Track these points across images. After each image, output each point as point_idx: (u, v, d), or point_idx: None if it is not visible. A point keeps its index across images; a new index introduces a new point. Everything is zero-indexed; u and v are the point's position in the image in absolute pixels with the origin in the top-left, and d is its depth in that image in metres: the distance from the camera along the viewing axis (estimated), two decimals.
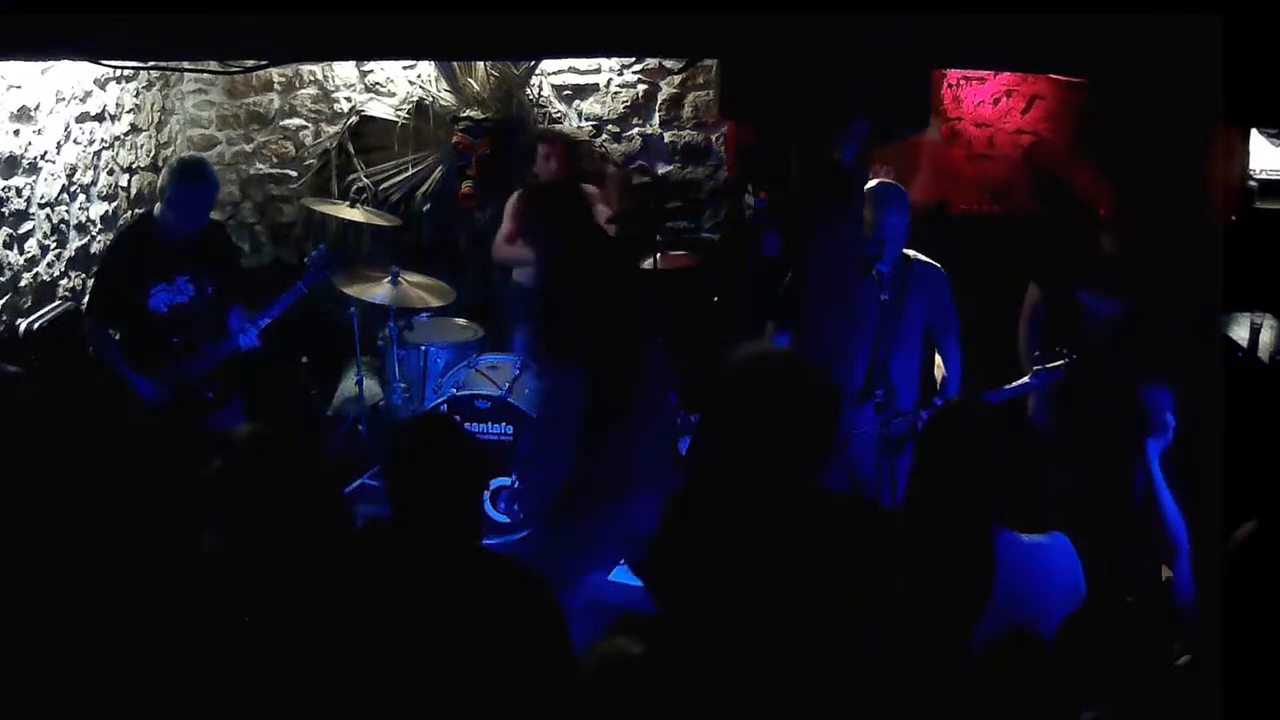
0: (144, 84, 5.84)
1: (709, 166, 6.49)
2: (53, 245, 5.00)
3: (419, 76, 6.27)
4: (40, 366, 4.50)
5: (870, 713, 1.95)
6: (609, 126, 6.41)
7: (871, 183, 3.78)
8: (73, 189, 5.17)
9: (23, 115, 4.73)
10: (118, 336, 4.26)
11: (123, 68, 5.16)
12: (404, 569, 2.45)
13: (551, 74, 6.31)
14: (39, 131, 4.86)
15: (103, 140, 5.41)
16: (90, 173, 5.31)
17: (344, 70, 6.32)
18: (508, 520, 4.94)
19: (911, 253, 3.85)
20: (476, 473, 2.53)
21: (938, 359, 4.01)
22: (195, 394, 4.24)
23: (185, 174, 4.12)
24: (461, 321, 5.68)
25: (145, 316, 4.15)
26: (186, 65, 5.06)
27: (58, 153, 5.03)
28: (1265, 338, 4.28)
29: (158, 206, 4.18)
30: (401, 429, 2.65)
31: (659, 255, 5.27)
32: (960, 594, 2.02)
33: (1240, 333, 4.35)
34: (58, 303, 4.89)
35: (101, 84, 5.39)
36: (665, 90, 6.36)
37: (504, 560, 2.55)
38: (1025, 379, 3.79)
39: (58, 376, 4.37)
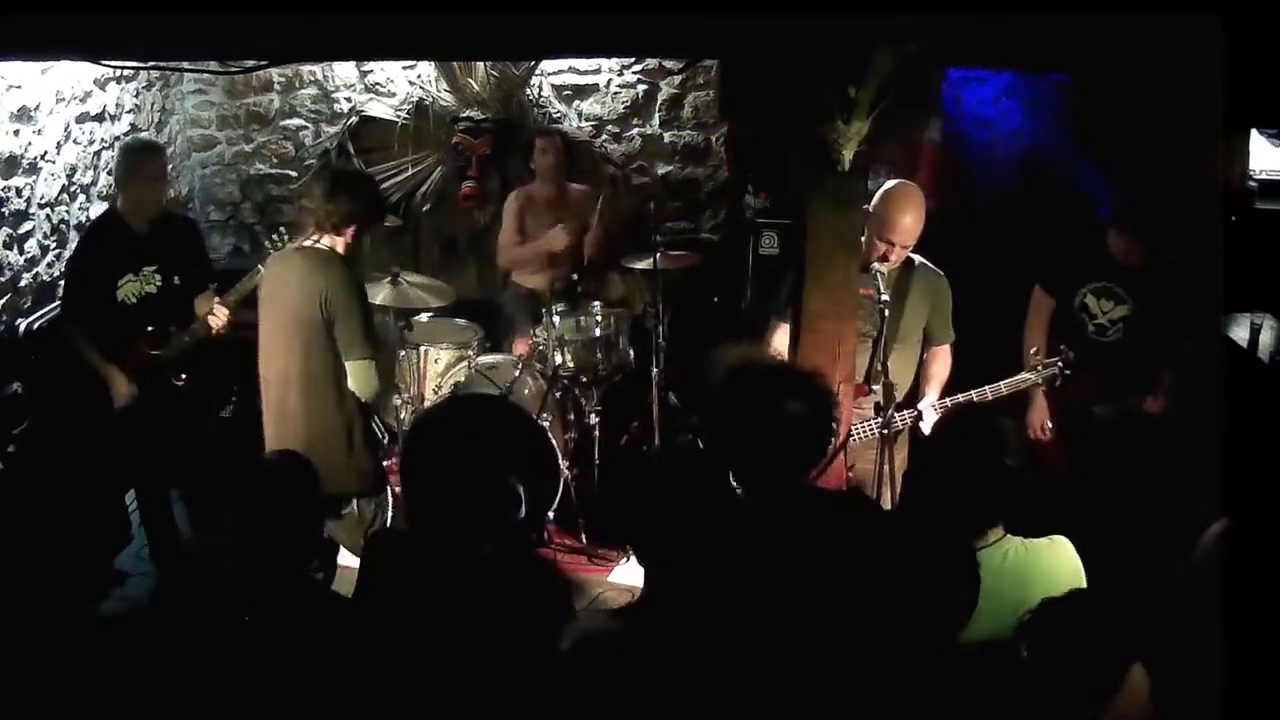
0: (144, 84, 5.84)
1: (709, 166, 6.48)
2: (53, 245, 4.99)
3: (419, 76, 6.27)
4: (39, 366, 4.52)
5: (854, 704, 1.95)
6: (609, 127, 6.41)
7: (890, 183, 3.78)
8: (73, 189, 5.17)
9: (23, 115, 4.73)
10: (90, 330, 4.31)
11: (123, 68, 5.16)
12: (423, 572, 2.44)
13: (551, 74, 6.31)
14: (39, 131, 4.86)
15: (103, 140, 5.41)
16: (90, 173, 5.31)
17: (344, 70, 6.32)
18: None
19: (915, 256, 3.85)
20: (498, 465, 2.51)
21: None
22: (164, 380, 4.32)
23: (131, 152, 4.26)
24: (461, 321, 5.68)
25: (115, 308, 4.23)
26: (186, 65, 5.06)
27: (58, 153, 5.03)
28: (1265, 338, 4.28)
29: (119, 198, 4.28)
30: (424, 420, 2.60)
31: (659, 255, 5.26)
32: (945, 600, 2.01)
33: (1240, 333, 4.35)
34: (58, 303, 4.89)
35: (101, 84, 5.38)
36: (665, 90, 6.36)
37: (518, 571, 2.55)
38: (1024, 375, 3.82)
39: (57, 376, 4.39)
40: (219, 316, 4.26)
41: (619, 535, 4.64)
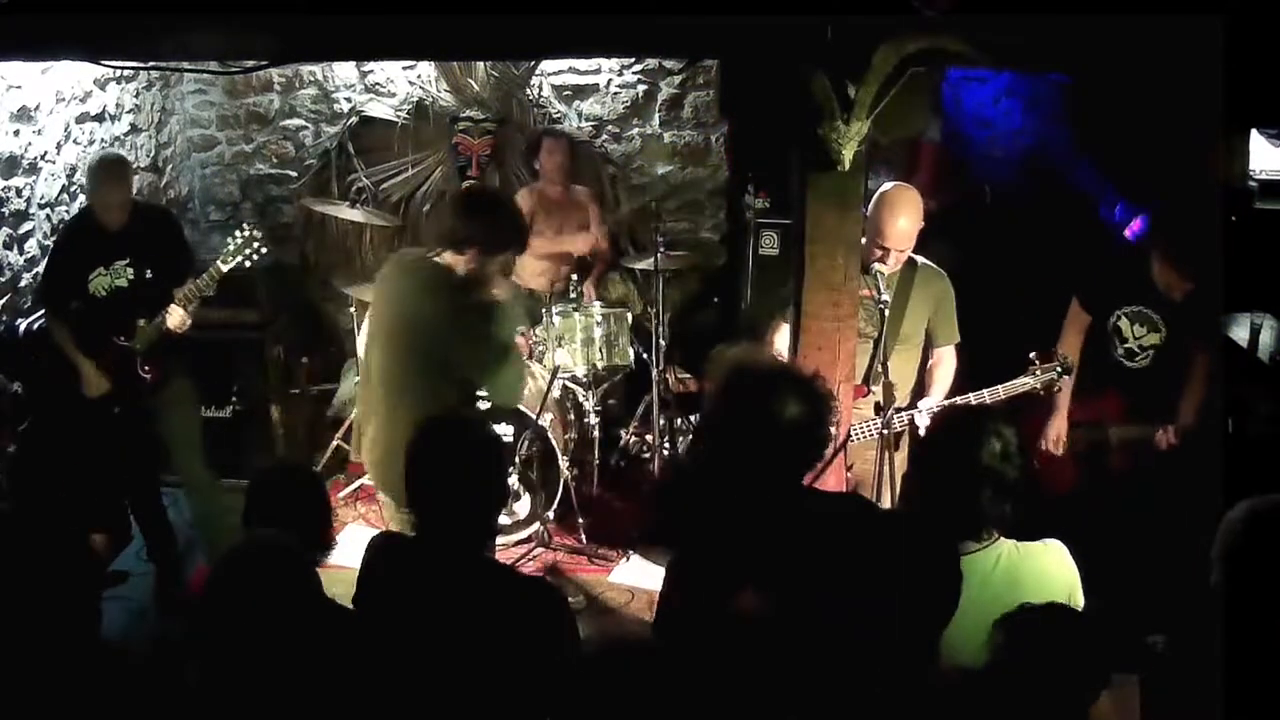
0: (144, 84, 5.84)
1: (709, 166, 6.48)
2: (53, 245, 5.00)
3: (419, 76, 6.27)
4: (40, 366, 4.52)
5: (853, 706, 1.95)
6: (609, 127, 6.41)
7: (885, 186, 3.78)
8: (73, 189, 5.17)
9: (23, 115, 4.73)
10: (67, 322, 4.33)
11: (123, 68, 5.16)
12: (423, 576, 2.45)
13: (551, 74, 6.31)
14: (39, 131, 4.86)
15: (103, 140, 5.41)
16: None
17: (344, 70, 6.32)
18: (508, 521, 4.95)
19: (917, 257, 3.85)
20: (499, 474, 2.52)
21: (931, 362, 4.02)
22: (132, 373, 4.32)
23: (93, 172, 4.27)
24: None
25: (87, 301, 4.27)
26: (186, 65, 5.06)
27: (58, 153, 5.03)
28: (1265, 338, 4.28)
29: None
30: (427, 430, 2.63)
31: (659, 255, 5.27)
32: (925, 601, 2.01)
33: (1240, 333, 4.35)
34: None
35: (101, 84, 5.38)
36: (665, 91, 6.36)
37: (518, 575, 2.56)
38: (1022, 379, 3.81)
39: (57, 376, 4.39)
40: (173, 315, 4.25)
41: (657, 539, 4.61)
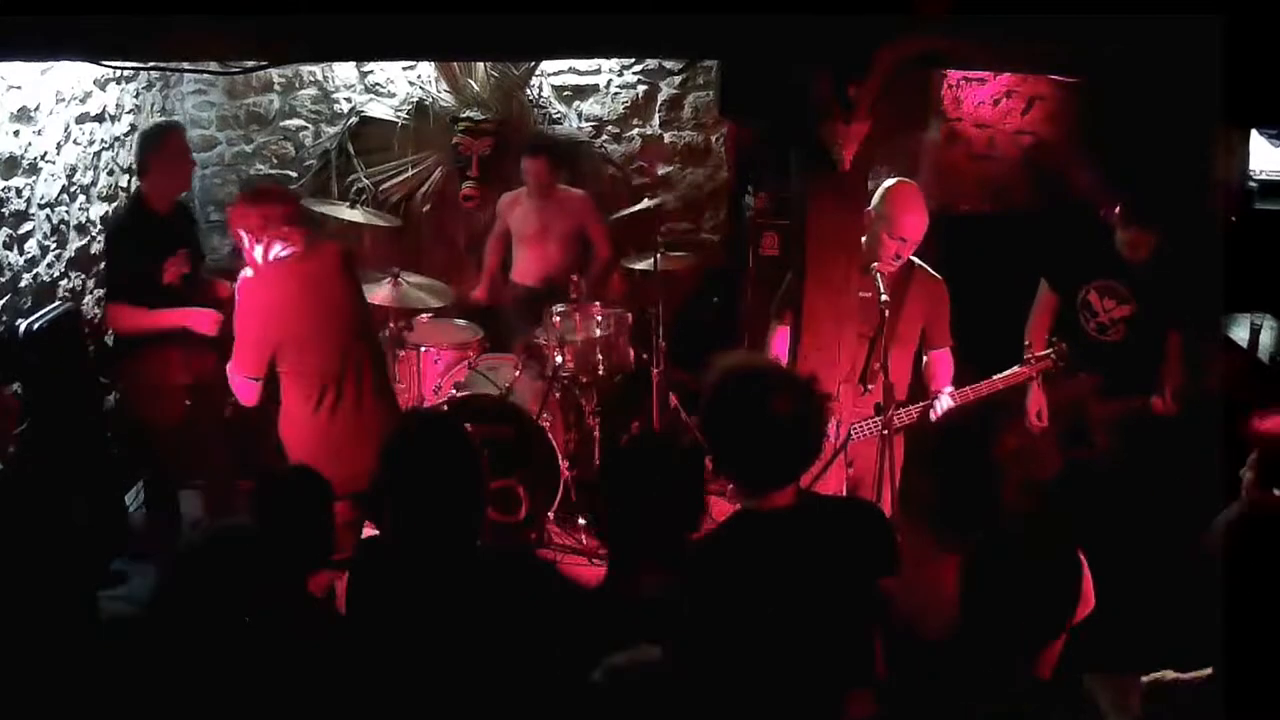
0: (144, 84, 5.83)
1: (709, 167, 6.48)
2: (53, 246, 4.99)
3: (419, 76, 6.27)
4: (39, 367, 4.52)
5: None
6: (609, 127, 6.41)
7: (889, 181, 3.79)
8: (73, 189, 5.17)
9: (23, 115, 4.72)
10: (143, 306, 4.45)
11: (123, 68, 5.16)
12: (409, 576, 2.45)
13: (551, 74, 6.30)
14: (39, 132, 4.85)
15: (103, 141, 5.41)
16: (90, 173, 5.30)
17: (344, 70, 6.32)
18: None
19: (913, 259, 3.86)
20: (476, 470, 2.52)
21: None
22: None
23: (153, 137, 4.43)
24: (461, 322, 5.68)
25: (162, 292, 4.40)
26: (186, 65, 5.06)
27: (58, 153, 5.03)
28: (1265, 338, 4.29)
29: (144, 184, 4.45)
30: (400, 429, 2.63)
31: (659, 255, 5.26)
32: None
33: (1240, 333, 4.36)
34: (58, 303, 4.89)
35: (101, 84, 5.38)
36: (665, 91, 6.36)
37: (511, 554, 2.55)
38: (1019, 367, 3.83)
39: (57, 377, 4.39)
40: None
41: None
